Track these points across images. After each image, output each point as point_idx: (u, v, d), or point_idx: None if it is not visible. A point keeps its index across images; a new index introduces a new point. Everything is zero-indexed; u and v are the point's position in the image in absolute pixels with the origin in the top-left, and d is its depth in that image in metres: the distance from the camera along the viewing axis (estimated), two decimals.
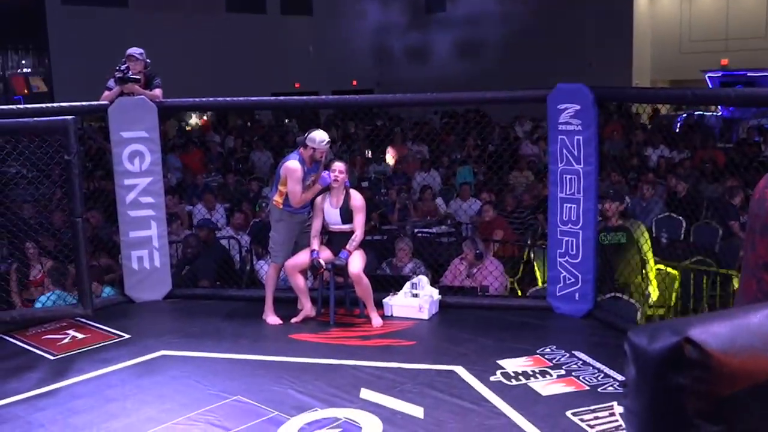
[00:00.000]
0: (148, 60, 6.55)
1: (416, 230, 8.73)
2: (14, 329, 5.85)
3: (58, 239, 7.04)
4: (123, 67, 6.43)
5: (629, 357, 1.17)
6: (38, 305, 6.21)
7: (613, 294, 5.91)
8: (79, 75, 18.43)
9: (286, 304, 6.09)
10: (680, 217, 8.41)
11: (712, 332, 1.12)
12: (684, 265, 6.63)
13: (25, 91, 19.73)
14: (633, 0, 22.41)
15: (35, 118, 5.91)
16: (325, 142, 5.80)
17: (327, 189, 5.85)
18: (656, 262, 6.33)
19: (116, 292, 6.69)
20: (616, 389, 4.48)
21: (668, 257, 6.85)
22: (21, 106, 6.38)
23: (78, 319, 5.99)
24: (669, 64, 22.94)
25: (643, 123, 15.49)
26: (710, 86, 19.57)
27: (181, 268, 7.18)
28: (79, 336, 5.72)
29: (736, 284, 6.19)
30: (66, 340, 5.64)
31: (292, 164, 5.78)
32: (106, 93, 6.48)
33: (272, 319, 5.96)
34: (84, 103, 6.54)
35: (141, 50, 6.52)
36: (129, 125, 6.41)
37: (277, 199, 5.90)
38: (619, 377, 4.64)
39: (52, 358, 5.31)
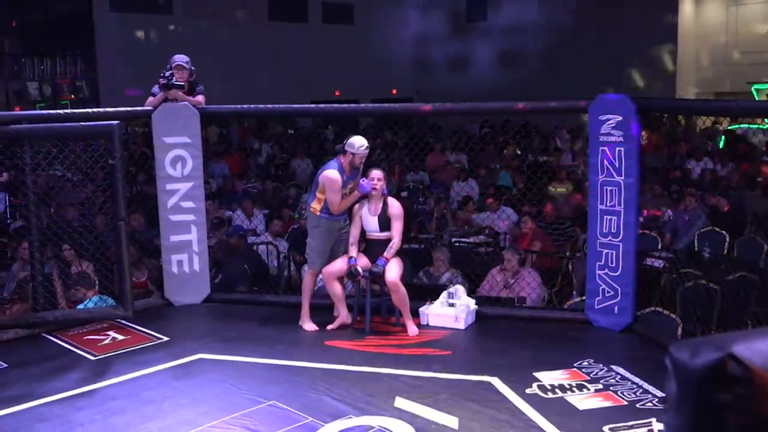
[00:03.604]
0: (193, 68, 6.65)
1: (453, 240, 8.70)
2: (56, 329, 5.97)
3: (100, 242, 7.15)
4: (167, 74, 6.53)
5: (670, 372, 1.15)
6: (81, 307, 6.32)
7: (653, 308, 5.82)
8: (125, 81, 18.81)
9: (323, 310, 6.11)
10: (723, 232, 8.27)
11: (756, 349, 1.09)
12: (727, 280, 6.50)
13: (72, 96, 20.19)
14: (678, 11, 22.09)
15: (81, 123, 6.03)
16: (364, 147, 5.82)
17: (365, 197, 5.87)
18: (698, 277, 6.21)
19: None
20: (655, 405, 4.41)
21: (711, 272, 6.73)
22: (67, 111, 6.50)
23: (118, 320, 6.09)
24: (714, 76, 22.51)
25: (685, 135, 15.25)
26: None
27: (215, 275, 7.24)
28: (119, 337, 5.81)
29: None
30: (106, 341, 5.74)
31: (332, 174, 5.80)
32: (150, 99, 6.59)
33: (308, 325, 5.98)
34: (128, 109, 6.67)
35: (187, 58, 6.61)
36: (172, 131, 6.52)
37: (315, 206, 5.94)
38: (659, 393, 4.56)
39: (92, 358, 5.40)
